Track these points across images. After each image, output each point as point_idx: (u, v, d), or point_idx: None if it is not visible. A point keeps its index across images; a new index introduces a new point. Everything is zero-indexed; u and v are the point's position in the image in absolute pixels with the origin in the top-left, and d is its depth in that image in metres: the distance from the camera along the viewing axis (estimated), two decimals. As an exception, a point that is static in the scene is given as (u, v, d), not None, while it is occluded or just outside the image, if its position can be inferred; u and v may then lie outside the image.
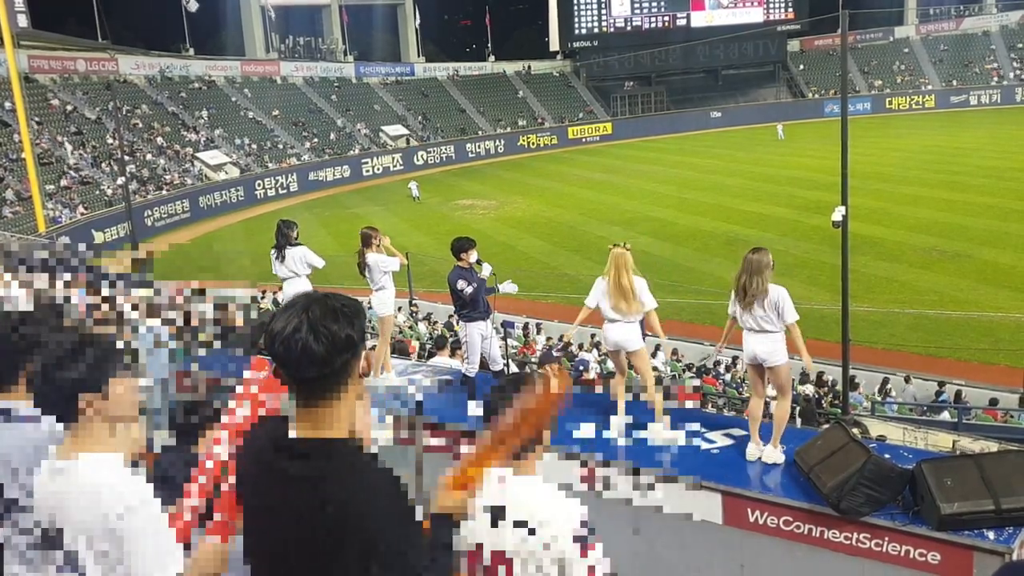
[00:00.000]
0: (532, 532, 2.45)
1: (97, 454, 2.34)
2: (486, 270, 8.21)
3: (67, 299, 3.93)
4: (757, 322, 6.15)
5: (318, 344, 1.87)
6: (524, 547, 2.47)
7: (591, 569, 2.45)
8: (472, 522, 2.56)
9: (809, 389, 14.28)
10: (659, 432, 6.81)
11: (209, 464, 2.58)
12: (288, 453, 1.98)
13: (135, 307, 3.84)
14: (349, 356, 1.93)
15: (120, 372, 2.42)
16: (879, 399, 14.88)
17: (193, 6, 53.54)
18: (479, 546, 2.56)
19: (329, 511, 1.89)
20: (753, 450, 6.36)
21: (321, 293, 2.02)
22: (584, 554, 2.44)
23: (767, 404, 7.12)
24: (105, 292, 3.98)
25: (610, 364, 15.24)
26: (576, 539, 2.44)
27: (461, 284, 7.96)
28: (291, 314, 1.91)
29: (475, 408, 7.61)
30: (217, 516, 2.44)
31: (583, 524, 2.46)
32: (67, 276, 4.25)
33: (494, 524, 2.49)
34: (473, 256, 8.13)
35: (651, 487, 5.98)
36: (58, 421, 2.43)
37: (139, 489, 2.26)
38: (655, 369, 15.60)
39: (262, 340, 2.04)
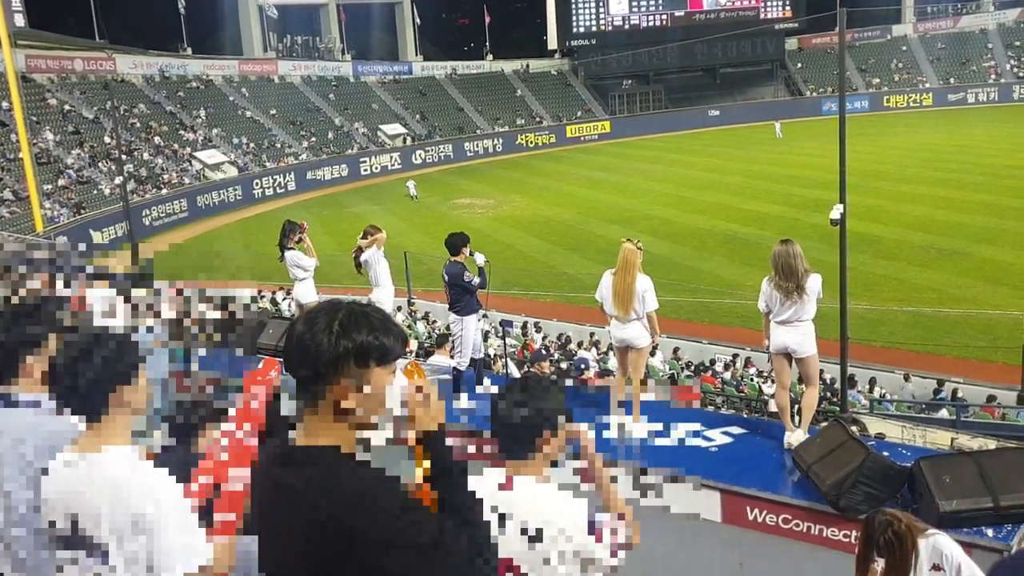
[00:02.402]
0: (539, 538, 2.44)
1: (118, 447, 2.34)
2: (479, 259, 8.23)
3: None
4: (794, 313, 6.24)
5: (295, 344, 1.87)
6: (531, 555, 2.45)
7: (613, 551, 2.48)
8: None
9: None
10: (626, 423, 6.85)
11: (212, 463, 2.58)
12: (278, 460, 1.92)
13: (136, 307, 3.83)
14: (309, 374, 1.85)
15: (141, 364, 2.43)
16: (876, 398, 14.90)
17: (182, 5, 53.47)
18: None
19: (316, 520, 1.78)
20: (790, 437, 6.43)
21: (344, 304, 1.95)
22: (599, 539, 2.49)
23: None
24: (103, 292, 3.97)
25: (610, 363, 15.28)
26: (588, 531, 2.47)
27: (468, 276, 8.03)
28: (307, 315, 1.93)
29: (466, 403, 7.62)
30: (219, 516, 2.43)
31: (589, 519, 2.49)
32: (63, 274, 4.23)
33: (500, 528, 2.48)
34: (467, 251, 8.20)
35: (651, 487, 5.97)
36: (76, 413, 2.39)
37: (163, 481, 2.26)
38: (655, 369, 15.66)
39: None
